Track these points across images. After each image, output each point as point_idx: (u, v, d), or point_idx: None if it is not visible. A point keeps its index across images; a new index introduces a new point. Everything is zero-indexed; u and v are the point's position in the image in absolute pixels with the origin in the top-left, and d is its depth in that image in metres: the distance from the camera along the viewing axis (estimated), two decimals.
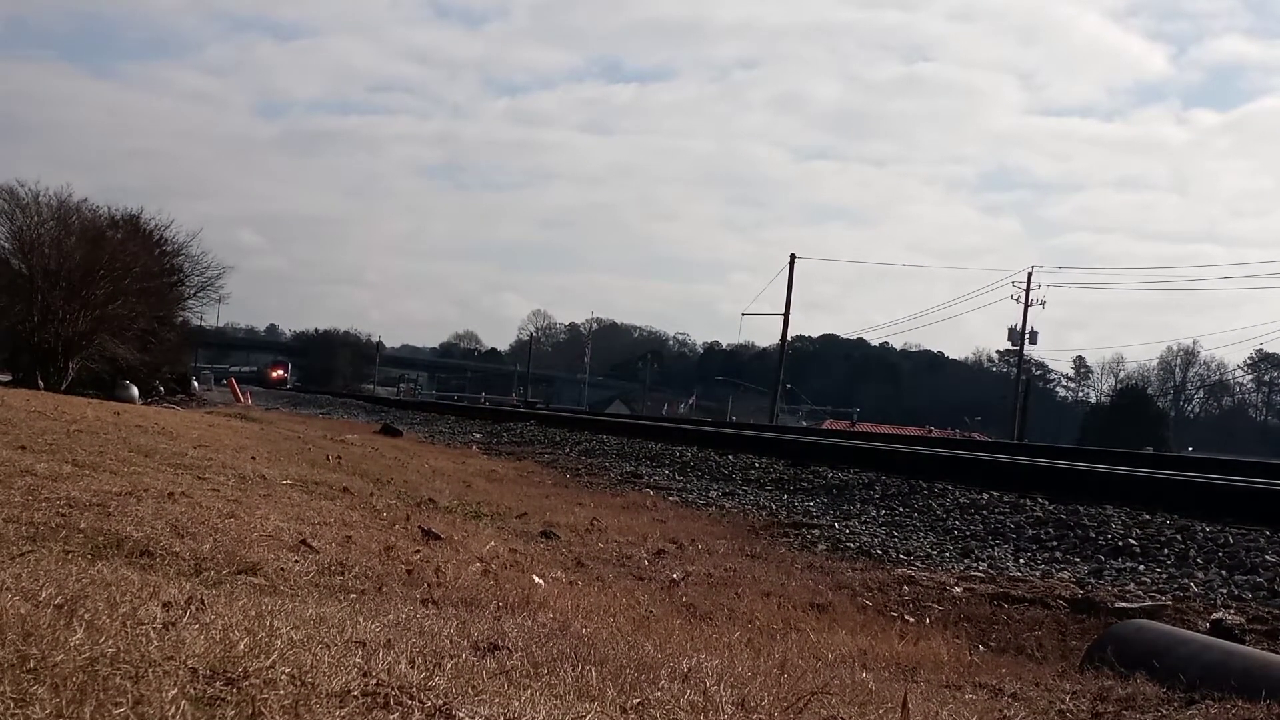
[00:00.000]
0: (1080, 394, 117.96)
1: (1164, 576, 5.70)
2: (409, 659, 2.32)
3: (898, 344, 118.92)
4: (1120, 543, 6.55)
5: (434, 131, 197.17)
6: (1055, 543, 6.84)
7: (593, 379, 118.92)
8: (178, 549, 3.54)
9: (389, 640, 2.50)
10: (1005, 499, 8.59)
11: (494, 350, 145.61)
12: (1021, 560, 6.39)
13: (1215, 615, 4.49)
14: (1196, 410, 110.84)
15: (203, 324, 45.49)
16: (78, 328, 23.10)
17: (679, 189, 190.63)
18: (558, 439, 19.02)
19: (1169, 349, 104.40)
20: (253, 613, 2.53)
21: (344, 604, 3.17)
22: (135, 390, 25.40)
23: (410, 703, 1.99)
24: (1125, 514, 7.44)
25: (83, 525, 3.63)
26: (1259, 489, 7.55)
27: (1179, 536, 6.58)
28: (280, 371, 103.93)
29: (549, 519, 7.34)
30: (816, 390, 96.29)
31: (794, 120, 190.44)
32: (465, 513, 7.08)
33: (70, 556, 3.12)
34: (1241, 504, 7.26)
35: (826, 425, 61.72)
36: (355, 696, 1.96)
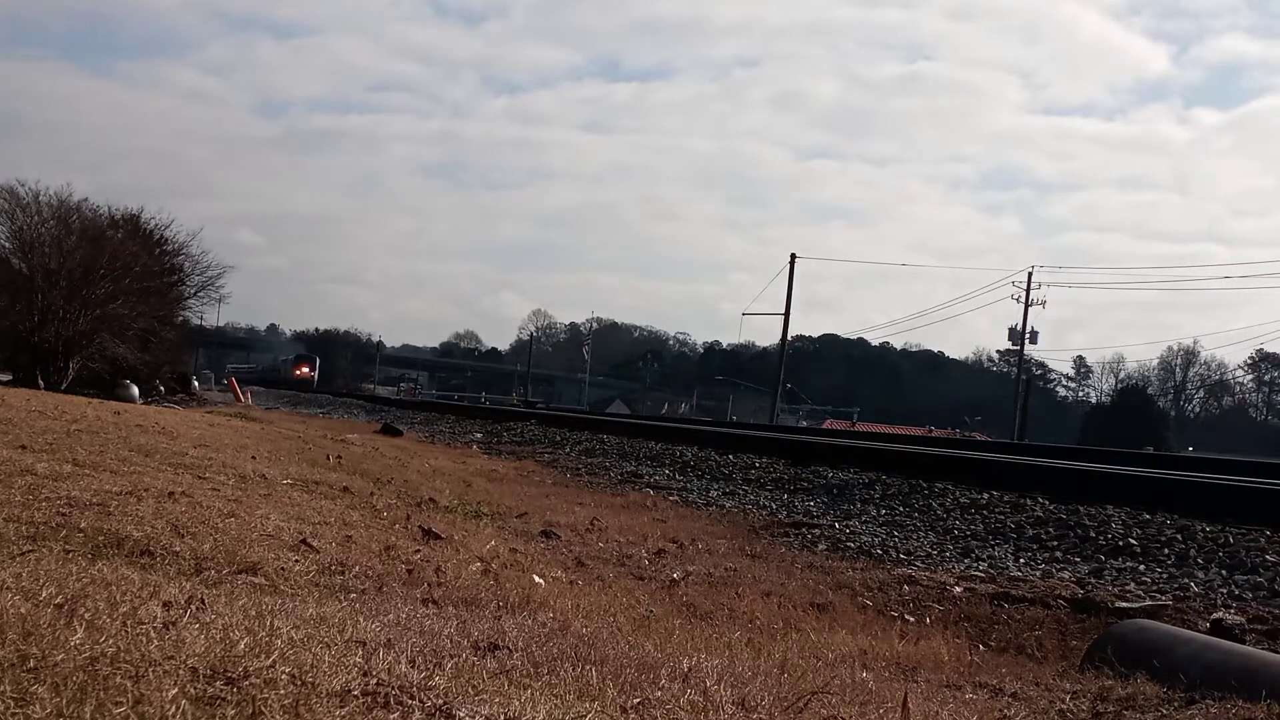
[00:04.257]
0: (1080, 394, 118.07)
1: (1164, 576, 5.70)
2: (409, 658, 2.32)
3: (898, 344, 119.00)
4: (1120, 543, 6.55)
5: (434, 130, 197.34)
6: (1055, 543, 6.83)
7: (593, 379, 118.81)
8: (178, 548, 3.54)
9: (389, 640, 2.50)
10: (1005, 499, 8.59)
11: (494, 350, 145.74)
12: (1022, 560, 6.39)
13: (1215, 615, 4.49)
14: (1197, 410, 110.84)
15: (203, 324, 45.58)
16: (78, 327, 23.12)
17: (679, 189, 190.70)
18: (558, 439, 19.02)
19: (1169, 349, 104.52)
20: (253, 612, 2.53)
21: (344, 603, 3.17)
22: (135, 390, 25.42)
23: (410, 702, 1.99)
24: (1125, 514, 7.44)
25: (83, 525, 3.63)
26: (1259, 489, 7.55)
27: (1179, 536, 6.58)
28: (305, 369, 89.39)
29: (549, 518, 7.34)
30: (816, 390, 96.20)
31: (794, 119, 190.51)
32: (465, 512, 7.08)
33: (70, 556, 3.12)
34: (1241, 504, 7.26)
35: (826, 425, 61.70)
36: (355, 696, 1.96)
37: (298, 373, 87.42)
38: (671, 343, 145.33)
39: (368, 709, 1.92)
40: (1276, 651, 3.80)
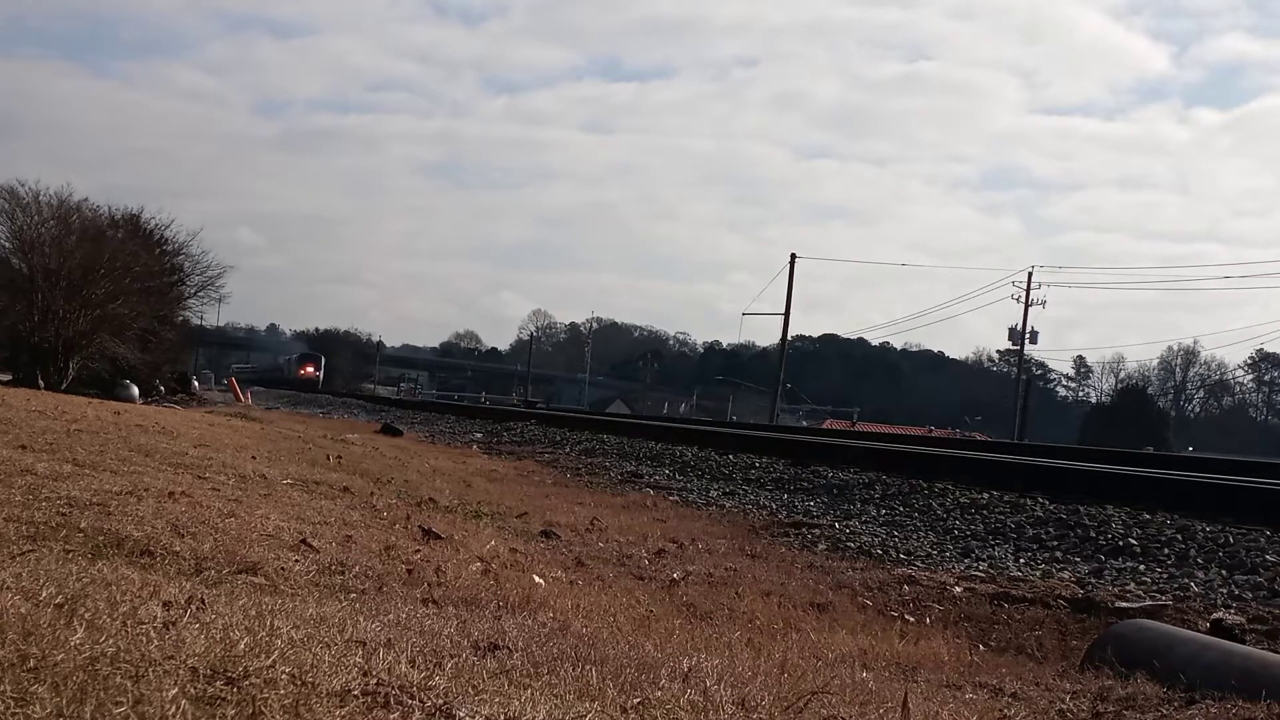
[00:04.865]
0: (1080, 394, 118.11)
1: (1164, 576, 5.70)
2: (409, 658, 2.32)
3: (898, 344, 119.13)
4: (1120, 542, 6.55)
5: (433, 130, 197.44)
6: (1055, 542, 6.84)
7: (593, 379, 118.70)
8: (178, 548, 3.54)
9: (389, 640, 2.50)
10: (1005, 499, 8.59)
11: (494, 350, 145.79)
12: (1022, 560, 6.39)
13: (1215, 615, 4.49)
14: (1197, 410, 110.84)
15: (203, 324, 45.59)
16: (78, 327, 23.12)
17: (679, 189, 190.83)
18: (558, 439, 19.02)
19: (1169, 349, 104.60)
20: (253, 612, 2.54)
21: (344, 603, 3.17)
22: (135, 390, 25.40)
23: (410, 702, 1.99)
24: (1125, 514, 7.44)
25: (83, 524, 3.63)
26: (1258, 488, 7.55)
27: (1179, 536, 6.58)
28: (310, 368, 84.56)
29: (549, 518, 7.34)
30: (816, 390, 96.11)
31: (794, 119, 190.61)
32: (465, 512, 7.08)
33: (70, 556, 3.12)
34: (1241, 504, 7.26)
35: (827, 425, 61.65)
36: (355, 696, 1.96)
37: (302, 372, 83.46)
38: (671, 343, 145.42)
39: (368, 709, 1.92)
40: (1276, 651, 3.80)
